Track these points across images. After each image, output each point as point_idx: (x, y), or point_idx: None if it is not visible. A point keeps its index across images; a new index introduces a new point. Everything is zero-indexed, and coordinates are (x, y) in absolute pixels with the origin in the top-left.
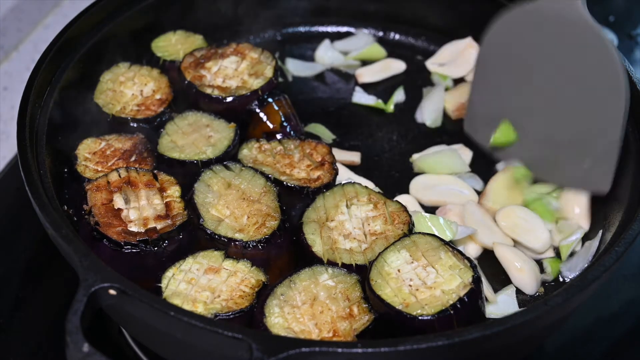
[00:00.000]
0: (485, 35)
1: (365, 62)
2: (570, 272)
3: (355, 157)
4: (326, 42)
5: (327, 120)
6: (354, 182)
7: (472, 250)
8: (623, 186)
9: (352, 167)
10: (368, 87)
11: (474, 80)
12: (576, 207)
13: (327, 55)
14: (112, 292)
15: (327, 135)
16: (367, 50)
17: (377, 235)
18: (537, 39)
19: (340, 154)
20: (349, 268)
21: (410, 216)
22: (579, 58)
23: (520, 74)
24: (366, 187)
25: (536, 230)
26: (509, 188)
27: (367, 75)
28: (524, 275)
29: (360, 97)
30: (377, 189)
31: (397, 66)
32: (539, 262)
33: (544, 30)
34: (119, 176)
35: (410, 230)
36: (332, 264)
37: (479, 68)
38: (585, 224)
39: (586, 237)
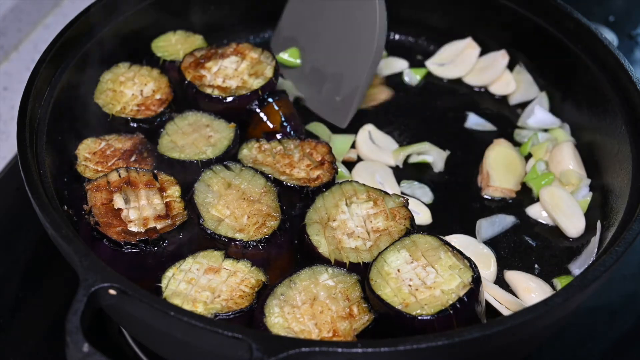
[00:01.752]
0: None
1: None
2: (579, 270)
3: (351, 153)
4: None
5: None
6: (352, 180)
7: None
8: (623, 186)
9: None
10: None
11: (287, 5)
12: (570, 162)
13: None
14: (112, 292)
15: (327, 134)
16: None
17: (381, 232)
18: None
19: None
20: (356, 267)
21: (410, 211)
22: (350, 6)
23: (314, 8)
24: (364, 184)
25: (574, 216)
26: (505, 165)
27: None
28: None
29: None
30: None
31: (399, 65)
32: (550, 283)
33: None
34: (119, 176)
35: (412, 225)
36: (339, 264)
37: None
38: (584, 174)
39: (590, 234)
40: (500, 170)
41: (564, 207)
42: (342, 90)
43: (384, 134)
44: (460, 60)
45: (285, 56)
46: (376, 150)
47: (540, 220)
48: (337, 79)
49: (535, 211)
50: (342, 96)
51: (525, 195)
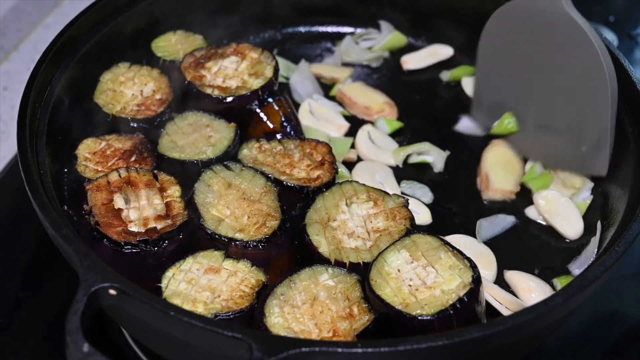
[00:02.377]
0: (484, 27)
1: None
2: (579, 270)
3: (351, 153)
4: (348, 39)
5: None
6: (352, 181)
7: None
8: (623, 186)
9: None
10: (413, 74)
11: (477, 70)
12: None
13: (353, 51)
14: (112, 292)
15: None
16: (390, 39)
17: (381, 232)
18: (528, 32)
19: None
20: (356, 267)
21: (410, 211)
22: (565, 50)
23: (517, 64)
24: (364, 184)
25: (572, 219)
26: (504, 166)
27: (412, 61)
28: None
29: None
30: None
31: (444, 52)
32: (550, 283)
33: (532, 24)
34: (119, 176)
35: (412, 225)
36: (339, 264)
37: (481, 59)
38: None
39: (590, 234)
40: (499, 172)
41: (559, 210)
42: (587, 139)
43: (383, 134)
44: None
45: (499, 125)
46: (376, 150)
47: (539, 221)
48: (575, 129)
49: (534, 212)
50: (589, 144)
51: (525, 195)
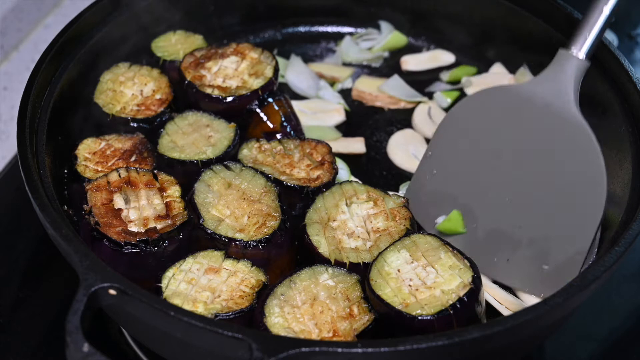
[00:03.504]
0: (453, 107)
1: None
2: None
3: (360, 146)
4: (347, 39)
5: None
6: (352, 181)
7: None
8: (623, 186)
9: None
10: (413, 74)
11: (428, 152)
12: None
13: (353, 51)
14: (112, 292)
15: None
16: (390, 39)
17: (381, 232)
18: (515, 123)
19: (344, 143)
20: (356, 267)
21: (410, 212)
22: (560, 155)
23: (484, 157)
24: (364, 184)
25: None
26: None
27: (412, 63)
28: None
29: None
30: None
31: (446, 58)
32: None
33: (523, 116)
34: (119, 176)
35: (412, 225)
36: (339, 264)
37: (436, 140)
38: None
39: None
40: None
41: None
42: (552, 258)
43: (441, 111)
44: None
45: (445, 224)
46: (431, 126)
47: None
48: (540, 245)
49: None
50: (555, 264)
51: None
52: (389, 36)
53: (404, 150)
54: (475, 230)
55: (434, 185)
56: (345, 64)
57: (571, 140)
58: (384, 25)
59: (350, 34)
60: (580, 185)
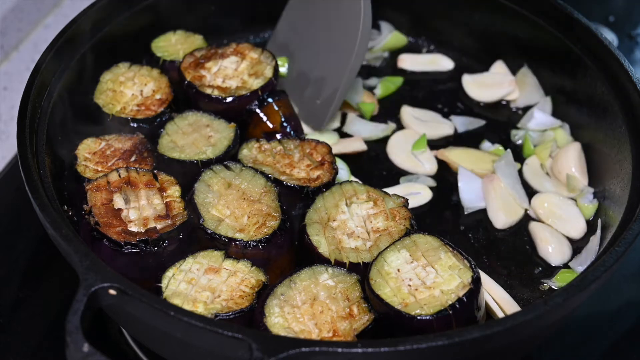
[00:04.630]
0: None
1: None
2: (581, 267)
3: (361, 144)
4: None
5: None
6: (352, 181)
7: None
8: (623, 186)
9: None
10: (413, 73)
11: (283, 14)
12: (572, 166)
13: None
14: (112, 292)
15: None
16: (390, 39)
17: (381, 232)
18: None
19: (344, 144)
20: (356, 267)
21: (410, 212)
22: (339, 6)
23: (304, 15)
24: (364, 184)
25: (573, 219)
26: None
27: (408, 62)
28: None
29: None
30: None
31: (445, 64)
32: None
33: None
34: (119, 176)
35: (412, 225)
36: (339, 264)
37: (288, 7)
38: (586, 180)
39: (590, 233)
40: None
41: (560, 213)
42: (322, 94)
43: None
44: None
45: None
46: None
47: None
48: (319, 83)
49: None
50: (322, 99)
51: (526, 189)
52: (389, 36)
53: (405, 150)
54: (292, 72)
55: (281, 37)
56: None
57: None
58: (384, 25)
59: None
60: (345, 35)
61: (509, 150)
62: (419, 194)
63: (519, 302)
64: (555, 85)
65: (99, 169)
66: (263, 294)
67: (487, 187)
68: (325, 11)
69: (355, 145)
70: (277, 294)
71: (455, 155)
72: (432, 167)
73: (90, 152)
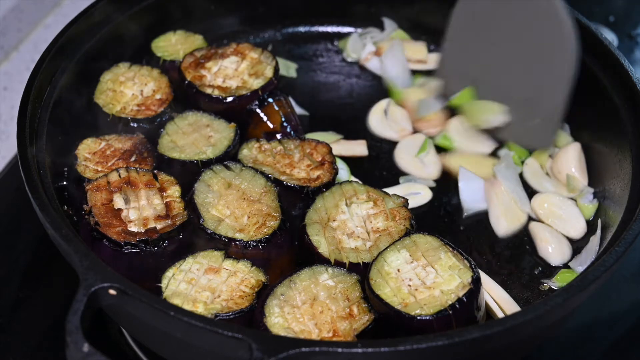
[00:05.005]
0: (457, 3)
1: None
2: (581, 267)
3: (363, 149)
4: (354, 37)
5: (331, 117)
6: (352, 181)
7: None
8: (623, 186)
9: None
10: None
11: (446, 42)
12: (572, 166)
13: (360, 49)
14: (112, 292)
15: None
16: (394, 37)
17: (381, 232)
18: (499, 6)
19: (346, 147)
20: (356, 267)
21: (410, 212)
22: (533, 24)
23: (484, 38)
24: (364, 184)
25: (573, 219)
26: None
27: (409, 52)
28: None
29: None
30: None
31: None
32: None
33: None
34: (119, 176)
35: (412, 225)
36: (339, 264)
37: (450, 32)
38: (586, 181)
39: (590, 233)
40: None
41: (558, 213)
42: (540, 112)
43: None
44: None
45: (459, 97)
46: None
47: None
48: (531, 103)
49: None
50: (542, 116)
51: (526, 189)
52: (392, 34)
53: (412, 154)
54: (486, 98)
55: (453, 68)
56: (350, 62)
57: (538, 10)
58: (388, 22)
59: (350, 33)
60: (552, 47)
61: (509, 152)
62: (419, 194)
63: (519, 302)
64: None
65: (99, 169)
66: (263, 294)
67: (490, 193)
68: (510, 22)
69: (358, 149)
70: (277, 294)
71: (455, 161)
72: (436, 172)
73: (90, 152)
